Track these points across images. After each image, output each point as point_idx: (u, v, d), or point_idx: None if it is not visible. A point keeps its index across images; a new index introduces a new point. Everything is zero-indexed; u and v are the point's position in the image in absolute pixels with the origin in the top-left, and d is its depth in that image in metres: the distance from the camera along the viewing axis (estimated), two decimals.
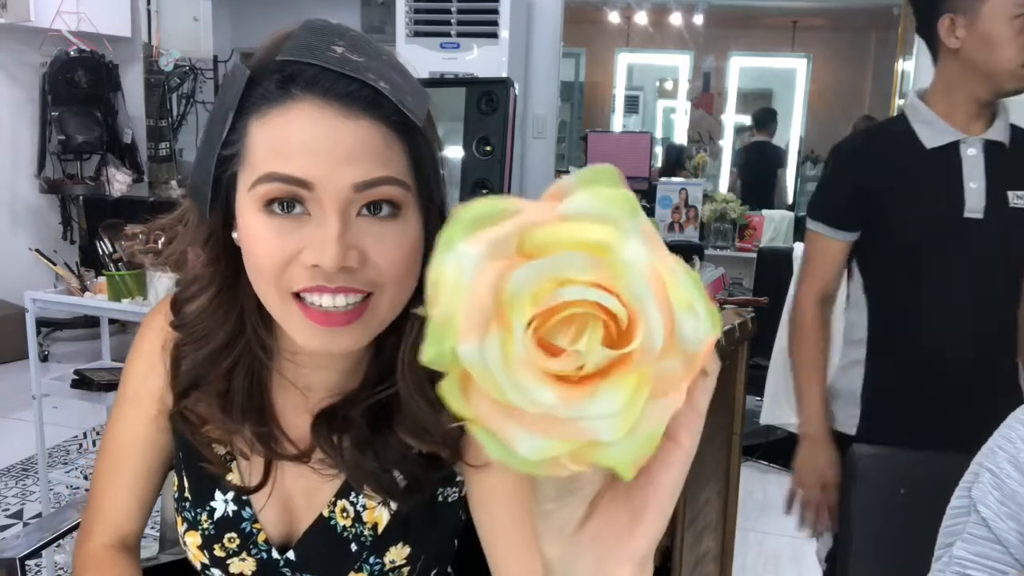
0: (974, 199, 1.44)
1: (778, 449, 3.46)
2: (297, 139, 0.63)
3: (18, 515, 2.86)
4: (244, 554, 0.82)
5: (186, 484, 0.84)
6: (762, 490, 3.20)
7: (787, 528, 2.95)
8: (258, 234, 0.65)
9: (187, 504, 0.83)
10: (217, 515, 0.82)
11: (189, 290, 0.77)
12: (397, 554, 0.80)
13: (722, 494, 2.04)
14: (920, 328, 1.50)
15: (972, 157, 1.45)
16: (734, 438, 2.02)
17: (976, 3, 1.39)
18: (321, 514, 0.80)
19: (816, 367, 1.60)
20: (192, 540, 0.83)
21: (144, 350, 0.85)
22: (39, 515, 2.80)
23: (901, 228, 1.48)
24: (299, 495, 0.82)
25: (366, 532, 0.80)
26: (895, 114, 1.63)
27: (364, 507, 0.80)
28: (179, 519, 0.84)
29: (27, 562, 1.16)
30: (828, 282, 1.58)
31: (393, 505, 0.79)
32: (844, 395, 1.61)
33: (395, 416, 0.76)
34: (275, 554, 0.81)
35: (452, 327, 0.30)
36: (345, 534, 0.80)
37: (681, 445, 0.34)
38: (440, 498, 0.82)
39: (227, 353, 0.76)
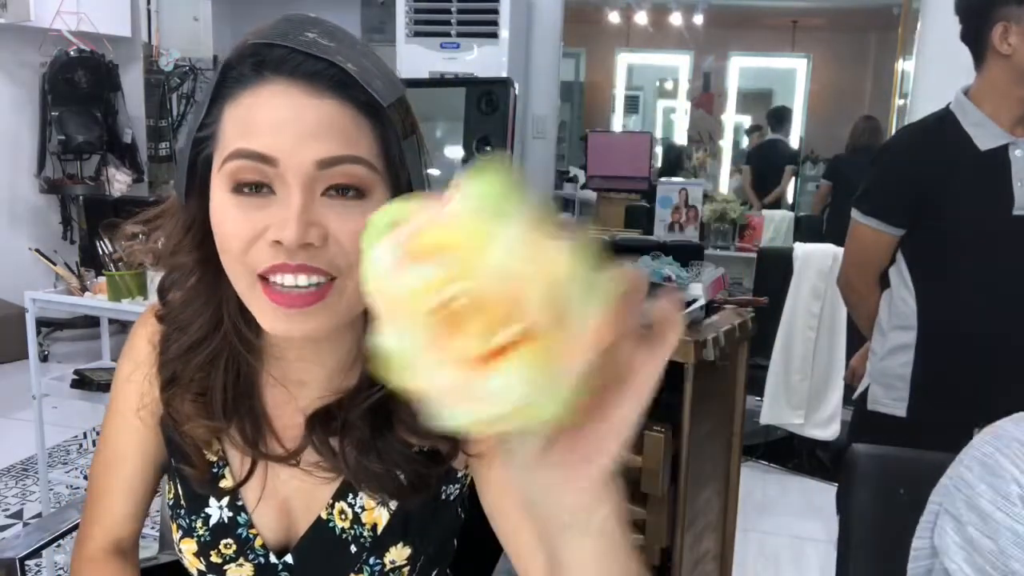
0: (1023, 197, 1.56)
1: (778, 449, 3.47)
2: (263, 117, 0.64)
3: (18, 515, 2.86)
4: (241, 559, 0.81)
5: (179, 491, 0.83)
6: (762, 490, 3.20)
7: (787, 528, 2.95)
8: (225, 213, 0.66)
9: (181, 511, 0.82)
10: (213, 521, 0.81)
11: (170, 278, 0.78)
12: (397, 554, 0.80)
13: (722, 494, 2.03)
14: (972, 317, 1.62)
15: (1020, 158, 1.57)
16: (734, 438, 2.02)
17: (1021, 9, 1.52)
18: (319, 516, 0.80)
19: (873, 315, 1.81)
20: (187, 547, 0.82)
21: (131, 351, 0.85)
22: (39, 515, 2.79)
23: (953, 224, 1.60)
24: (295, 498, 0.81)
25: (365, 533, 0.79)
26: (938, 112, 1.69)
27: (363, 508, 0.79)
28: (174, 526, 0.83)
29: (27, 562, 1.16)
30: (878, 268, 1.75)
31: (392, 505, 0.79)
32: (891, 378, 1.71)
33: (393, 414, 0.75)
34: (272, 558, 0.81)
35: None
36: (344, 536, 0.79)
37: (632, 388, 0.39)
38: (443, 496, 0.81)
39: (205, 346, 0.75)
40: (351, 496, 0.79)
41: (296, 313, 0.65)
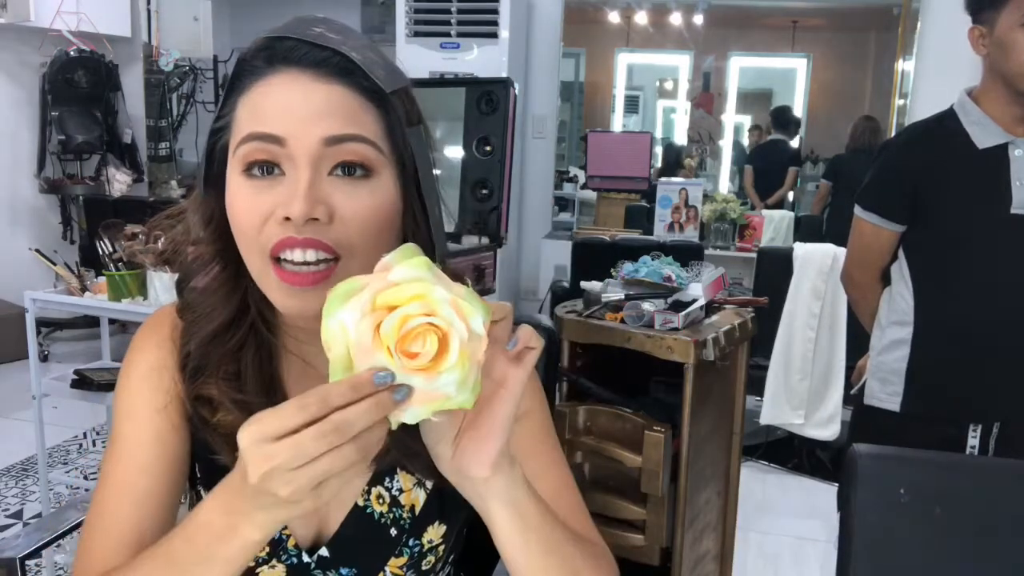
0: (1021, 196, 1.56)
1: (778, 449, 3.47)
2: (273, 102, 0.69)
3: (18, 515, 2.86)
4: (274, 560, 0.80)
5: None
6: (762, 490, 3.20)
7: (787, 528, 2.95)
8: (238, 196, 0.70)
9: None
10: None
11: (191, 268, 0.79)
12: (434, 533, 0.82)
13: (722, 494, 2.03)
14: (969, 315, 1.62)
15: (1020, 157, 1.57)
16: (734, 438, 2.02)
17: (993, 14, 1.55)
18: (356, 504, 0.80)
19: (874, 311, 1.82)
20: None
21: (139, 362, 0.80)
22: (39, 515, 2.80)
23: (952, 222, 1.61)
24: None
25: (404, 515, 0.81)
26: (942, 112, 1.70)
27: (401, 490, 0.81)
28: None
29: (27, 562, 1.16)
30: (879, 264, 1.76)
31: (428, 484, 0.81)
32: (887, 373, 1.72)
33: None
34: (305, 557, 0.80)
35: (350, 361, 0.54)
36: (383, 520, 0.80)
37: (508, 389, 0.59)
38: None
39: (233, 331, 0.77)
40: (387, 480, 0.80)
41: (304, 291, 0.68)
